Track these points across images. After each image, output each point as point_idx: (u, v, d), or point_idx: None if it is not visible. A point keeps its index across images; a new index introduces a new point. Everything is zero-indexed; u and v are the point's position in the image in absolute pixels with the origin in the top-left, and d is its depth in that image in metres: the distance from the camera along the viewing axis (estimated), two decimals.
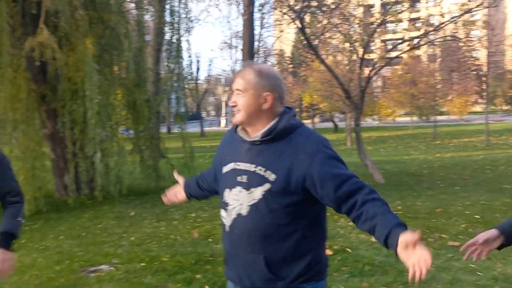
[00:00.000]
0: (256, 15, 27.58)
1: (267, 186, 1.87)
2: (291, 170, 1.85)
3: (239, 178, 1.94)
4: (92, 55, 8.03)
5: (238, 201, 1.93)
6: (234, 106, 1.95)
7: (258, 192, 1.88)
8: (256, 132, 1.94)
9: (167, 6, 11.25)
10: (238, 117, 1.95)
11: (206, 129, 41.37)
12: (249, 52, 14.48)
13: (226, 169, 2.02)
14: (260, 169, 1.89)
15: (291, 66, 37.37)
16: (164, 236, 6.59)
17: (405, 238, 1.64)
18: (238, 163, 1.96)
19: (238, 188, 1.93)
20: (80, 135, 8.55)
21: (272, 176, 1.87)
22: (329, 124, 38.16)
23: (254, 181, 1.89)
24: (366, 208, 1.79)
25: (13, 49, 7.95)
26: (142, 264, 5.24)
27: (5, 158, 2.60)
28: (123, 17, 9.26)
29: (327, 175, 1.84)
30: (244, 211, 1.92)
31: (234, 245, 1.97)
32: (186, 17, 11.67)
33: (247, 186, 1.91)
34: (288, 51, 39.55)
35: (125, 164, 9.67)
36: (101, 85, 8.33)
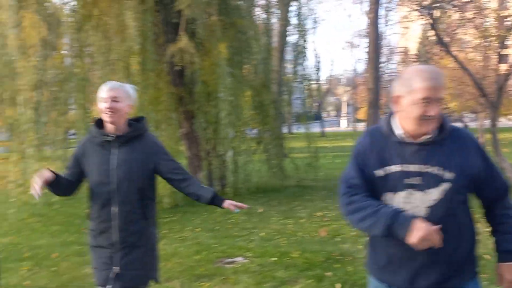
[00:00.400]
0: (381, 12, 26.85)
1: (446, 185, 1.89)
2: (465, 167, 1.90)
3: (409, 180, 1.94)
4: (225, 58, 8.49)
5: (412, 203, 1.94)
6: (431, 116, 1.90)
7: (436, 192, 1.90)
8: (418, 135, 1.96)
9: (292, 8, 11.48)
10: (433, 125, 1.93)
11: (326, 129, 41.24)
12: (375, 51, 14.26)
13: (384, 172, 2.00)
14: (436, 169, 1.91)
15: (416, 64, 35.88)
16: (292, 233, 6.78)
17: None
18: (405, 165, 1.95)
19: (409, 191, 1.94)
20: (213, 135, 9.07)
21: (449, 175, 1.89)
22: (458, 125, 35.93)
23: (430, 181, 1.91)
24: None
25: (156, 55, 8.68)
26: (274, 258, 5.46)
27: (163, 146, 2.99)
28: (252, 21, 9.65)
29: (493, 171, 1.93)
30: (421, 213, 1.92)
31: (408, 247, 1.88)
32: (310, 18, 11.77)
33: (422, 188, 1.92)
34: (413, 49, 38.03)
35: (253, 162, 10.05)
36: (233, 87, 8.77)
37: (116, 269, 2.81)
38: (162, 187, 8.78)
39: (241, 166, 9.65)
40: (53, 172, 2.77)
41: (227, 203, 2.89)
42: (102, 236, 2.84)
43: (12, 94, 8.00)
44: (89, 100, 8.83)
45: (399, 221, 1.85)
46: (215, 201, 2.92)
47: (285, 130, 14.72)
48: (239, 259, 5.58)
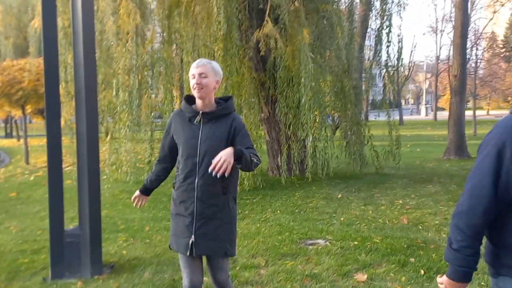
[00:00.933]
0: None
1: None
2: None
3: None
4: (308, 44, 8.54)
5: None
6: None
7: None
8: None
9: None
10: None
11: (405, 117, 40.09)
12: (462, 36, 13.68)
13: None
14: None
15: (504, 50, 33.84)
16: (373, 219, 6.78)
17: None
18: None
19: None
20: (294, 120, 9.19)
21: None
22: None
23: None
24: None
25: (240, 41, 8.89)
26: (355, 242, 5.52)
27: (244, 126, 3.10)
28: (336, 7, 9.61)
29: None
30: None
31: None
32: (393, 3, 11.47)
33: None
34: (501, 34, 35.87)
35: (332, 148, 10.07)
36: (314, 73, 8.81)
37: (193, 238, 2.95)
38: None
39: (320, 151, 9.70)
40: (145, 190, 3.30)
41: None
42: (182, 205, 2.99)
43: (108, 78, 8.54)
44: (174, 85, 9.24)
45: None
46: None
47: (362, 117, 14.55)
48: (321, 241, 5.69)
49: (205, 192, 2.94)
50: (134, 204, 3.32)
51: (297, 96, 8.80)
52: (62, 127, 9.60)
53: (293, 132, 9.29)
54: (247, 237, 5.88)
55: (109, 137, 8.88)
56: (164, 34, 9.13)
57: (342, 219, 6.83)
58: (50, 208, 4.78)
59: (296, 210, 7.48)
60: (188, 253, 2.96)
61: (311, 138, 8.55)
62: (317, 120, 9.51)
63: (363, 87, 12.82)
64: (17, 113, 17.23)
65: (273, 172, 10.54)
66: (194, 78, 2.95)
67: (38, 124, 21.96)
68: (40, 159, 15.97)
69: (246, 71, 9.40)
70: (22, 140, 17.84)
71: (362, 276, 4.49)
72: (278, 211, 7.42)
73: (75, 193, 4.86)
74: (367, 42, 19.97)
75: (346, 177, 10.40)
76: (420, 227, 6.27)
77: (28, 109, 15.72)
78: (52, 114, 4.75)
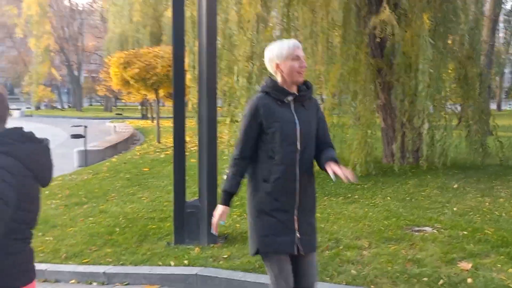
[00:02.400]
0: None
1: None
2: None
3: None
4: (428, 29, 8.33)
5: None
6: None
7: None
8: None
9: None
10: None
11: None
12: None
13: None
14: None
15: None
16: (488, 211, 6.55)
17: None
18: None
19: None
20: (410, 107, 9.04)
21: None
22: None
23: None
24: None
25: (358, 27, 8.93)
26: (465, 232, 5.43)
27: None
28: None
29: None
30: None
31: None
32: None
33: None
34: None
35: (451, 137, 9.72)
36: (434, 59, 8.57)
37: (297, 233, 2.74)
38: (356, 155, 9.19)
39: (438, 140, 9.42)
40: (230, 199, 2.82)
41: (332, 169, 2.65)
42: (282, 198, 2.71)
43: (230, 64, 9.11)
44: None
45: None
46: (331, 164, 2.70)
47: (493, 106, 13.66)
48: (428, 228, 5.69)
49: (305, 182, 2.75)
50: (215, 226, 2.86)
51: (414, 83, 8.64)
52: (189, 110, 10.42)
53: (408, 120, 9.15)
54: (353, 220, 6.06)
55: (229, 120, 9.47)
56: (284, 21, 9.45)
57: (455, 209, 6.69)
58: (175, 182, 5.40)
59: (407, 198, 7.44)
60: (295, 251, 2.72)
61: (427, 126, 8.36)
62: (436, 108, 9.23)
63: (493, 74, 12.08)
64: (151, 97, 18.83)
65: (387, 159, 10.46)
66: (298, 59, 2.73)
67: (169, 107, 23.71)
68: (170, 139, 17.38)
69: (363, 57, 9.40)
70: (155, 122, 19.51)
71: (466, 265, 4.46)
72: (388, 198, 7.44)
73: None
74: (501, 26, 18.61)
75: (465, 168, 9.98)
76: None
77: (161, 93, 17.12)
78: (178, 97, 5.33)
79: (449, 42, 9.76)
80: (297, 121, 2.74)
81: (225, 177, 2.88)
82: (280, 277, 2.73)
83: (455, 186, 8.25)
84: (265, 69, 9.25)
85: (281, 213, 2.72)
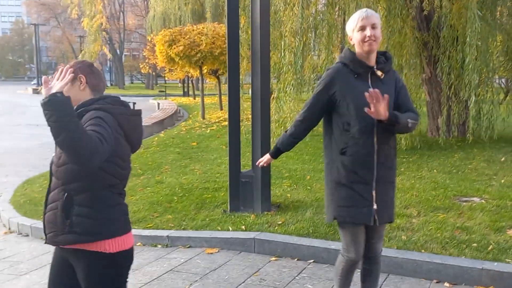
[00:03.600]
0: None
1: None
2: None
3: None
4: (476, 1, 8.24)
5: None
6: None
7: None
8: None
9: None
10: None
11: None
12: None
13: None
14: None
15: None
16: None
17: None
18: None
19: None
20: (456, 80, 9.02)
21: None
22: None
23: None
24: None
25: (404, 0, 8.90)
26: None
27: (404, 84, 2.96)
28: None
29: None
30: None
31: None
32: None
33: None
34: None
35: (498, 111, 9.64)
36: (482, 31, 8.48)
37: (375, 205, 2.79)
38: None
39: (484, 113, 9.36)
40: (276, 153, 3.08)
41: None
42: (360, 171, 2.76)
43: (275, 40, 9.28)
44: (335, 46, 9.65)
45: None
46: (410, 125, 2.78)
47: None
48: (476, 199, 5.81)
49: (383, 154, 2.79)
50: (260, 164, 3.19)
51: (461, 56, 8.60)
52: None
53: (454, 93, 9.13)
54: (401, 191, 6.22)
55: (274, 95, 9.67)
56: None
57: (502, 181, 6.74)
58: (230, 153, 5.70)
59: (454, 170, 7.52)
60: (371, 223, 2.79)
61: (473, 99, 8.34)
62: (482, 81, 9.16)
63: None
64: (194, 74, 19.19)
65: (432, 133, 10.48)
66: (365, 30, 2.68)
67: (211, 84, 24.08)
68: (213, 115, 17.79)
69: (409, 30, 9.38)
70: (198, 98, 19.88)
71: None
72: (435, 170, 7.54)
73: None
74: None
75: None
76: None
77: (204, 69, 17.45)
78: (232, 72, 5.59)
79: (497, 14, 9.60)
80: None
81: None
82: (352, 245, 2.85)
83: (502, 159, 8.25)
84: (310, 44, 9.35)
85: (359, 186, 2.77)
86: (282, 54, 8.89)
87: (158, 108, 23.00)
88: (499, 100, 9.50)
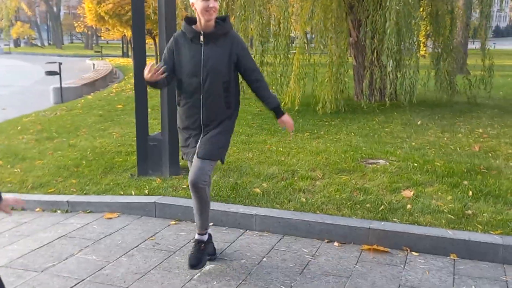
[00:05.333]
0: None
1: None
2: None
3: None
4: None
5: None
6: None
7: None
8: None
9: None
10: None
11: None
12: None
13: None
14: None
15: None
16: (444, 145, 6.84)
17: None
18: None
19: None
20: (379, 45, 9.13)
21: None
22: None
23: None
24: None
25: None
26: (415, 164, 5.72)
27: (245, 45, 3.45)
28: None
29: None
30: None
31: None
32: None
33: None
34: None
35: (418, 75, 9.87)
36: None
37: (198, 146, 3.34)
38: (326, 93, 9.36)
39: (405, 78, 9.55)
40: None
41: (283, 118, 3.44)
42: (189, 119, 3.36)
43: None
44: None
45: None
46: (276, 111, 3.44)
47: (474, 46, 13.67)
48: (381, 161, 5.97)
49: (210, 107, 3.30)
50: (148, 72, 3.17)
51: (383, 21, 8.69)
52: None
53: (377, 58, 9.26)
54: (313, 154, 6.31)
55: None
56: None
57: (413, 143, 6.97)
58: (136, 116, 5.56)
59: (371, 134, 7.70)
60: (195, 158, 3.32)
61: (391, 64, 8.49)
62: (405, 47, 9.32)
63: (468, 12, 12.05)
64: (128, 33, 18.55)
65: (357, 97, 10.67)
66: (208, 0, 3.14)
67: (149, 44, 23.41)
68: None
69: None
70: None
71: (409, 193, 4.76)
72: (352, 134, 7.69)
73: None
74: None
75: (432, 105, 10.26)
76: (490, 155, 6.27)
77: None
78: (137, 32, 5.39)
79: None
80: (203, 56, 3.23)
81: None
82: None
83: (419, 122, 8.53)
84: (232, 4, 9.15)
85: (189, 131, 3.41)
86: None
87: (94, 69, 22.22)
88: (418, 64, 9.66)
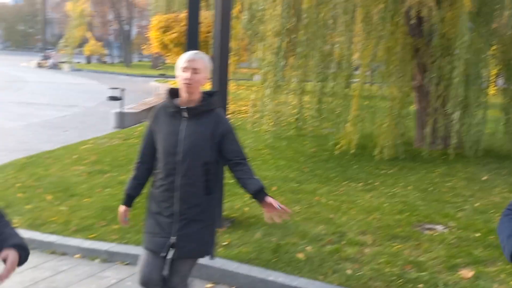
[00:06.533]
0: None
1: None
2: None
3: None
4: (469, 12, 7.85)
5: None
6: None
7: None
8: None
9: None
10: None
11: None
12: None
13: None
14: None
15: None
16: None
17: None
18: None
19: None
20: (445, 91, 8.65)
21: None
22: None
23: None
24: None
25: (394, 4, 8.49)
26: (477, 234, 5.24)
27: (231, 126, 3.07)
28: None
29: None
30: None
31: None
32: None
33: None
34: None
35: (488, 124, 9.29)
36: (473, 43, 8.11)
37: (173, 239, 2.91)
38: (386, 137, 8.94)
39: (472, 127, 8.97)
40: (130, 201, 3.16)
41: (268, 201, 2.84)
42: (162, 204, 2.94)
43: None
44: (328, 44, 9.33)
45: None
46: (257, 197, 2.91)
47: None
48: (439, 227, 5.52)
49: (188, 192, 2.91)
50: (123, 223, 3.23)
51: (450, 67, 8.24)
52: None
53: (442, 105, 8.77)
54: (365, 212, 5.95)
55: (254, 96, 9.42)
56: None
57: (476, 204, 6.45)
58: None
59: (430, 188, 7.22)
60: (164, 254, 2.93)
61: (457, 115, 7.99)
62: (473, 94, 8.79)
63: None
64: None
65: (418, 143, 10.15)
66: (186, 72, 2.85)
67: None
68: None
69: (400, 36, 9.00)
70: None
71: (468, 272, 4.33)
72: (410, 187, 7.23)
73: None
74: None
75: (501, 157, 9.55)
76: None
77: None
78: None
79: (494, 24, 9.19)
80: (181, 134, 2.90)
81: None
82: (141, 268, 3.01)
83: (484, 178, 7.93)
84: (294, 45, 9.01)
85: (161, 217, 2.96)
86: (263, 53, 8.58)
87: (156, 92, 22.71)
88: (487, 109, 9.08)
